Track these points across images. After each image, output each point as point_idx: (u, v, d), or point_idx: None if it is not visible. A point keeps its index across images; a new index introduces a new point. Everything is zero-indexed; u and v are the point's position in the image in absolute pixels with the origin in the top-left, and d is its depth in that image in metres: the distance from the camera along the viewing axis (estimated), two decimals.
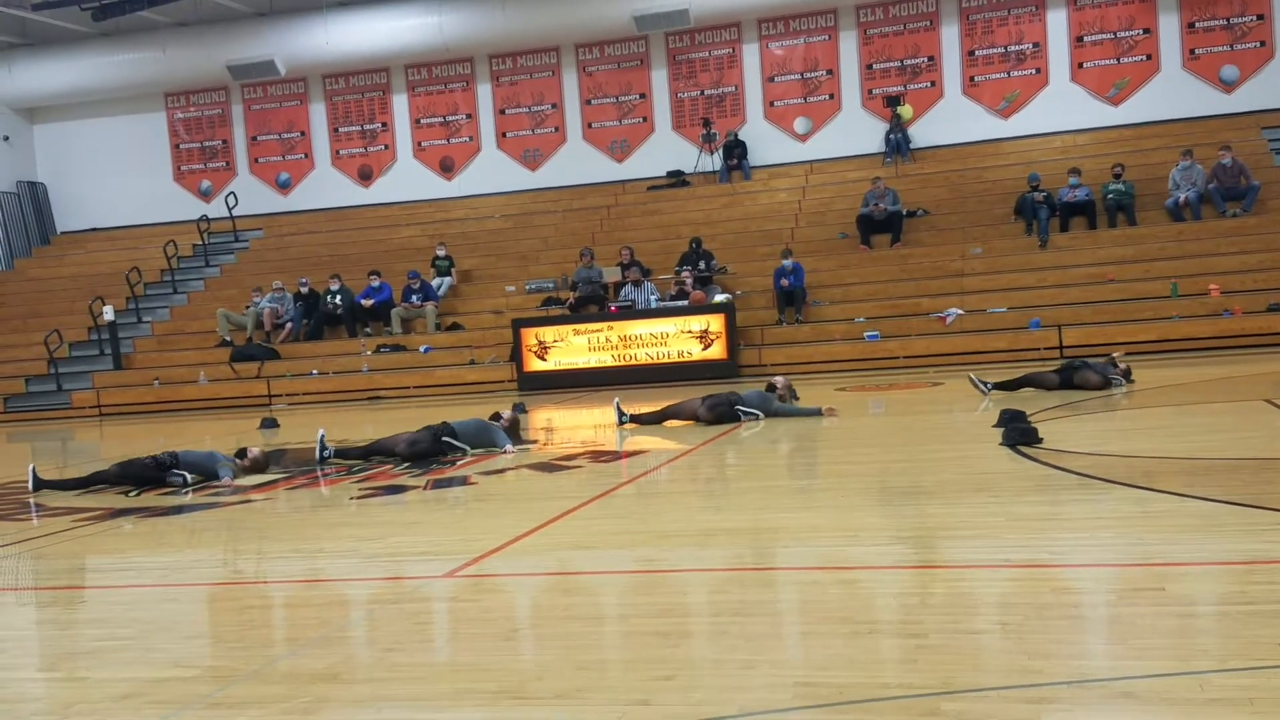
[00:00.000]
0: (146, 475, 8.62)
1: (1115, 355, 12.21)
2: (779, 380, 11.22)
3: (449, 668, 3.96)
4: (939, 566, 5.01)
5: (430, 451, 9.25)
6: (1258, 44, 20.26)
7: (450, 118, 23.65)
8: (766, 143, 22.13)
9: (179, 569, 5.92)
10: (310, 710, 3.50)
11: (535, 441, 10.41)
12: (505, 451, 9.30)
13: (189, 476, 8.53)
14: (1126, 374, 11.49)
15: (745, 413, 10.47)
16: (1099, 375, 11.25)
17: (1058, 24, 20.95)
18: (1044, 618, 3.95)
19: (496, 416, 9.99)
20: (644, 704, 3.36)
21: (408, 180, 23.81)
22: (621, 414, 11.00)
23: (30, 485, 8.86)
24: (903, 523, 5.93)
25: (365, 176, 24.15)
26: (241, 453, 9.10)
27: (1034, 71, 21.14)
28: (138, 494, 8.49)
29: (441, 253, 20.47)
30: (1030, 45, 21.10)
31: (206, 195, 24.78)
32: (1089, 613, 4.13)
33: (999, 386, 11.44)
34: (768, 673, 3.57)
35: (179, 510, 7.74)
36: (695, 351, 16.61)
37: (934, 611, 4.13)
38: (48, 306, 22.50)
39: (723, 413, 10.48)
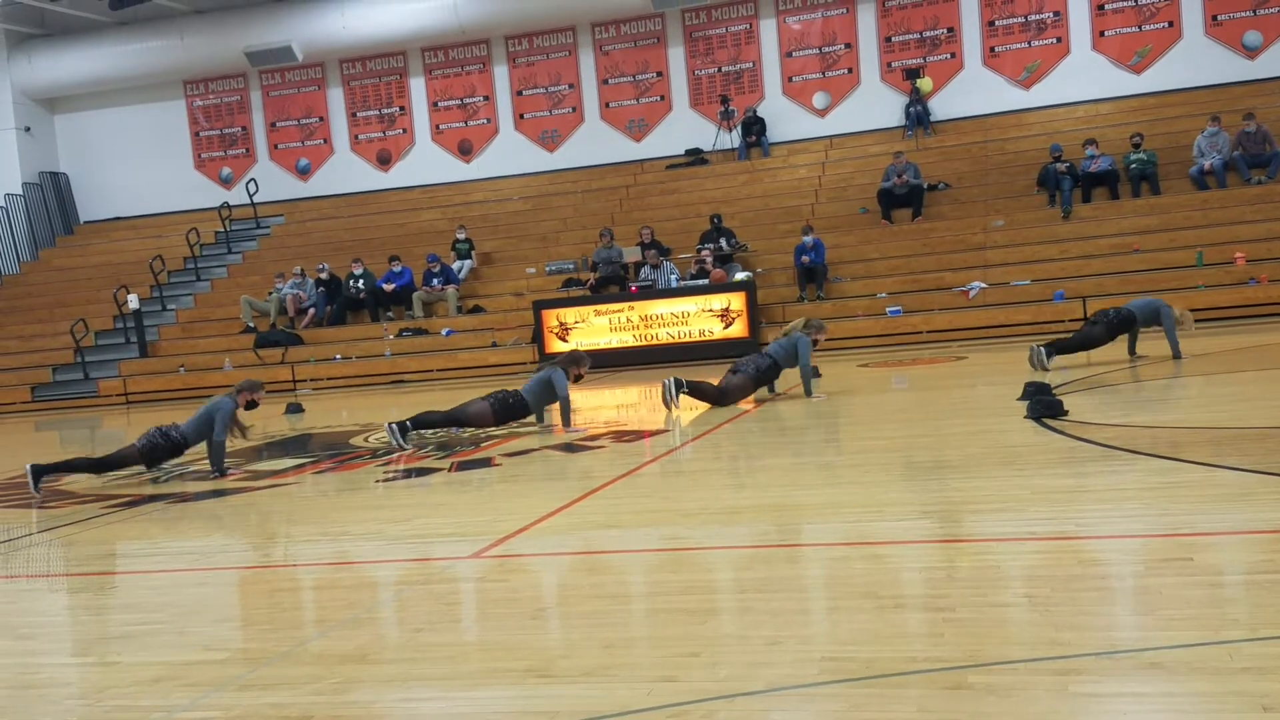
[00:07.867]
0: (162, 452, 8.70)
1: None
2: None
3: (477, 647, 3.98)
4: (964, 540, 4.99)
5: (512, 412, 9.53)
6: None
7: (468, 100, 23.64)
8: (785, 119, 22.02)
9: (208, 553, 5.97)
10: (340, 690, 3.53)
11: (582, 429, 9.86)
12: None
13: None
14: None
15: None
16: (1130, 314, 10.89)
17: None
18: (1071, 589, 3.93)
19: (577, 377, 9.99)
20: (670, 680, 3.37)
21: (426, 164, 23.84)
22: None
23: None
24: (927, 497, 5.91)
25: (384, 161, 24.18)
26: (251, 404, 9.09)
27: (1055, 41, 20.93)
28: (166, 479, 8.59)
29: (461, 236, 20.48)
30: (1051, 14, 20.88)
31: (227, 182, 24.89)
32: (1116, 584, 4.11)
33: (1059, 350, 10.92)
34: (794, 648, 3.58)
35: (207, 496, 7.81)
36: (717, 330, 16.58)
37: (960, 585, 4.12)
38: (73, 296, 22.68)
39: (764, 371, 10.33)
